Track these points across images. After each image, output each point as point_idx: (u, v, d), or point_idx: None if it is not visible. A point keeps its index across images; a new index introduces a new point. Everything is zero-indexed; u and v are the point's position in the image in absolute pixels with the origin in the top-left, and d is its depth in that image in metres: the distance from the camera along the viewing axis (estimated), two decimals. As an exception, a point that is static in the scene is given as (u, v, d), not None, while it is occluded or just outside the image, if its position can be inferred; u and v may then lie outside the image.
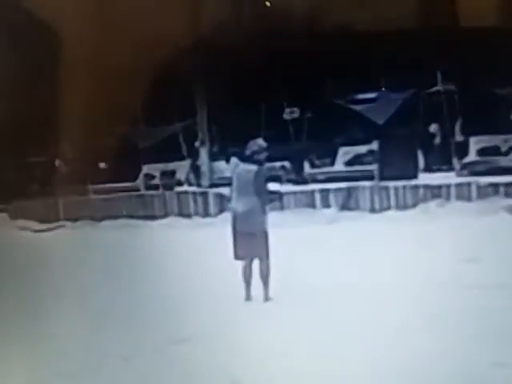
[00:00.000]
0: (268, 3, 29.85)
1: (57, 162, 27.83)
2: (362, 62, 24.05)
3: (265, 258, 9.33)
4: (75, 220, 23.78)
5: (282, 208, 19.80)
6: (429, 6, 29.17)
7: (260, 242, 9.31)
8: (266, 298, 9.35)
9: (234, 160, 9.71)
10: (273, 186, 11.76)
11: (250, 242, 9.27)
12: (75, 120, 27.22)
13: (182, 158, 26.08)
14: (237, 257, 9.41)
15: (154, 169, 26.07)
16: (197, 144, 25.00)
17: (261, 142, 9.79)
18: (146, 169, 26.06)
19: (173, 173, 25.86)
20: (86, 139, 26.83)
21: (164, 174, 25.89)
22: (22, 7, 28.33)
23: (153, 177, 25.93)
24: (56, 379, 6.74)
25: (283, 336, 7.57)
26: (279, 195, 18.45)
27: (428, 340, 7.07)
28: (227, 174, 22.82)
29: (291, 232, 15.33)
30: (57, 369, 6.96)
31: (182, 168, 25.84)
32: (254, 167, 9.46)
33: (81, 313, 9.14)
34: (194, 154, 25.41)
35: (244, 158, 9.56)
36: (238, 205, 9.38)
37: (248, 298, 9.35)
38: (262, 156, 9.57)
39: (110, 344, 7.69)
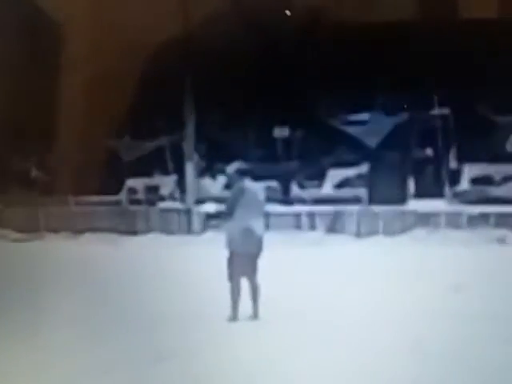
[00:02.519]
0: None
1: (33, 172, 28.00)
2: (356, 81, 24.37)
3: (255, 276, 9.75)
4: (55, 231, 24.05)
5: (266, 228, 20.11)
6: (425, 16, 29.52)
7: (255, 261, 9.72)
8: (256, 316, 9.74)
9: (240, 178, 10.01)
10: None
11: (246, 262, 9.64)
12: (58, 129, 27.58)
13: (167, 173, 26.34)
14: (232, 278, 9.69)
15: (137, 183, 26.30)
16: (184, 159, 25.10)
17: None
18: (129, 183, 26.29)
19: (157, 188, 26.09)
20: (69, 149, 27.18)
21: (148, 188, 26.10)
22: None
23: (136, 191, 26.16)
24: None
25: (270, 354, 7.97)
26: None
27: (411, 364, 7.46)
28: (213, 192, 23.47)
29: (275, 253, 15.53)
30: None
31: (166, 183, 26.06)
32: (261, 186, 10.01)
33: (58, 326, 9.37)
34: (179, 170, 25.56)
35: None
36: (239, 224, 9.66)
37: (235, 316, 9.68)
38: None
39: (90, 358, 7.95)
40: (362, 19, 27.97)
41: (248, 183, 9.85)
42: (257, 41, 27.26)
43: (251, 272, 9.71)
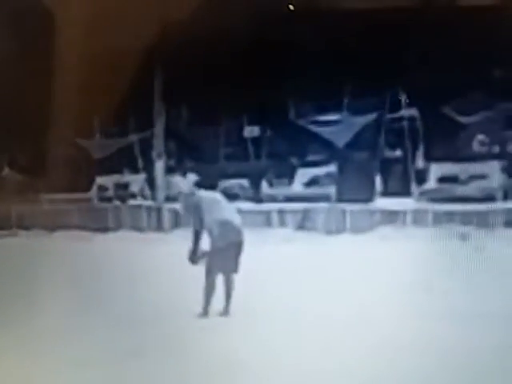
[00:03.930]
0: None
1: (5, 171, 27.85)
2: (325, 82, 24.48)
3: (234, 272, 9.91)
4: (27, 229, 24.11)
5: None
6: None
7: (237, 254, 9.87)
8: (227, 312, 9.86)
9: None
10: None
11: (228, 256, 9.78)
12: (30, 128, 27.35)
13: (137, 171, 26.36)
14: (209, 273, 9.78)
15: (107, 180, 26.33)
16: (153, 156, 25.15)
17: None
18: (99, 180, 26.31)
19: (127, 185, 26.14)
20: (41, 148, 27.05)
21: (118, 186, 26.16)
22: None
23: (106, 189, 26.18)
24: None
25: (240, 351, 8.10)
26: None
27: (377, 364, 7.62)
28: (183, 189, 23.47)
29: (246, 250, 15.66)
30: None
31: (136, 181, 26.11)
32: (215, 193, 10.29)
33: (29, 323, 9.45)
34: (149, 167, 25.64)
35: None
36: (215, 219, 9.78)
37: (206, 312, 9.79)
38: None
39: (60, 354, 8.04)
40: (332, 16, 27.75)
41: (202, 193, 10.05)
42: (228, 41, 27.27)
43: (233, 266, 9.82)
